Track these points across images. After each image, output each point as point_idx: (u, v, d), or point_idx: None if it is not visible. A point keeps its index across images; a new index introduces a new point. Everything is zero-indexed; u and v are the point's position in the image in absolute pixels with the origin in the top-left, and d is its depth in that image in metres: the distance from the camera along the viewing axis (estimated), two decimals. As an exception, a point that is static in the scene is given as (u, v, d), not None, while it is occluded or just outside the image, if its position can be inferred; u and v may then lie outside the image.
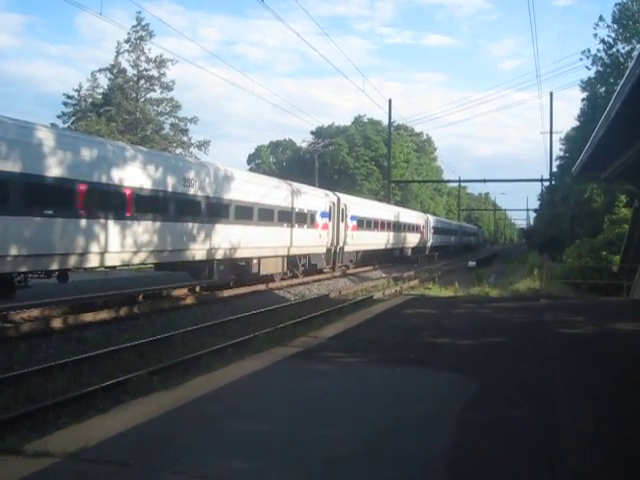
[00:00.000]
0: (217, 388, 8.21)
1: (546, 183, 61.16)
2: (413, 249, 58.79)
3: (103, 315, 17.91)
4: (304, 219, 31.92)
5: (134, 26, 61.75)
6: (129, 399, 8.47)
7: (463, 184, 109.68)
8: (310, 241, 32.52)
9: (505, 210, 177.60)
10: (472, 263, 48.82)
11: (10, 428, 8.37)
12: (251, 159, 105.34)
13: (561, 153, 59.22)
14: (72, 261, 17.44)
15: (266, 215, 27.67)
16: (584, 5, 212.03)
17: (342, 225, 37.52)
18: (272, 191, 28.65)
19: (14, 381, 10.85)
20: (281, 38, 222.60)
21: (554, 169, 56.75)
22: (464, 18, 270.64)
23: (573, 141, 48.63)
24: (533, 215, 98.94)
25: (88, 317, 17.37)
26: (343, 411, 7.27)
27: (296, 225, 30.68)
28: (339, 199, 37.73)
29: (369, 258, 46.43)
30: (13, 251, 15.73)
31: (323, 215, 34.44)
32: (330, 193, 37.62)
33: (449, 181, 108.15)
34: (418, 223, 60.33)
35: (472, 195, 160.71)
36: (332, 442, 6.13)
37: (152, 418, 6.78)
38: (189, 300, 22.21)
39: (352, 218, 39.46)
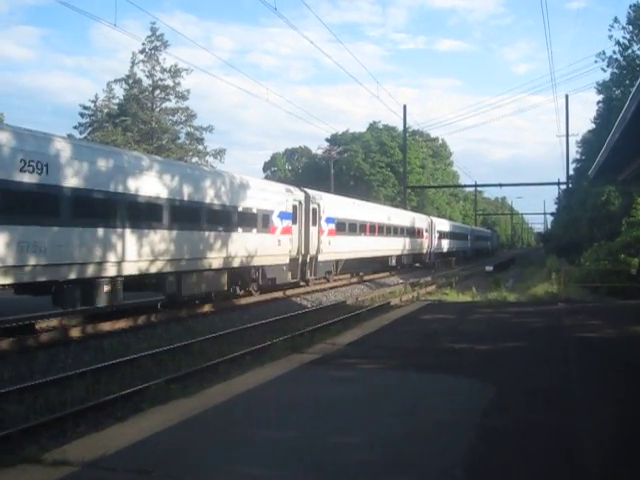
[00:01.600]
0: (235, 396, 8.22)
1: (563, 186, 60.89)
2: (415, 256, 52.36)
3: (121, 324, 18.00)
4: (253, 221, 24.79)
5: (149, 36, 62.12)
6: (147, 407, 8.49)
7: (479, 189, 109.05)
8: (263, 249, 25.37)
9: (522, 214, 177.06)
10: (489, 268, 48.60)
11: (29, 437, 8.41)
12: (267, 167, 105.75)
13: (577, 156, 59.07)
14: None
15: (188, 215, 20.69)
16: (598, 7, 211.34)
17: (314, 229, 30.62)
18: (197, 184, 21.38)
19: (33, 390, 10.92)
20: (294, 46, 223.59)
21: (571, 172, 56.50)
22: (476, 23, 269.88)
23: (589, 144, 48.50)
24: (550, 219, 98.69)
25: (106, 326, 17.46)
26: (361, 417, 7.25)
27: (239, 229, 23.60)
28: (308, 197, 30.44)
29: (355, 268, 40.71)
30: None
31: (284, 216, 27.32)
32: (295, 189, 30.21)
33: (465, 186, 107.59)
34: (420, 226, 53.71)
35: (489, 200, 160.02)
36: (350, 449, 6.11)
37: (170, 426, 6.80)
38: (207, 308, 22.23)
39: (329, 220, 32.68)
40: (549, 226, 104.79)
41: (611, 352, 11.72)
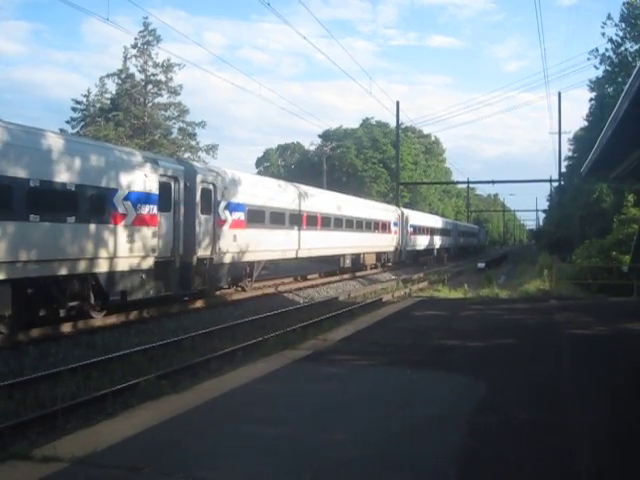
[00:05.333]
0: (226, 392, 8.19)
1: (555, 184, 61.07)
2: (380, 255, 44.28)
3: (112, 319, 17.93)
4: (67, 204, 15.97)
5: (141, 31, 61.83)
6: (138, 403, 8.45)
7: (472, 185, 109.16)
8: (98, 248, 16.93)
9: (514, 211, 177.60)
10: (481, 265, 48.73)
11: (19, 433, 8.37)
12: (259, 162, 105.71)
13: (570, 153, 59.23)
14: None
15: None
16: (590, 4, 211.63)
17: (206, 219, 21.93)
18: None
19: (24, 386, 10.86)
20: (285, 42, 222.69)
21: (563, 169, 56.66)
22: (467, 20, 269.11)
23: (582, 141, 48.62)
24: (542, 216, 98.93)
25: (97, 321, 17.40)
26: (353, 414, 7.23)
27: (32, 216, 14.77)
28: (194, 173, 21.60)
29: (293, 272, 33.72)
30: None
31: (141, 199, 18.58)
32: (168, 160, 22.47)
33: (457, 182, 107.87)
34: (386, 219, 45.23)
35: (481, 196, 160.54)
36: (342, 445, 6.10)
37: (161, 422, 6.77)
38: (199, 304, 22.17)
39: (235, 207, 23.92)
40: (541, 223, 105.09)
41: (602, 349, 11.74)
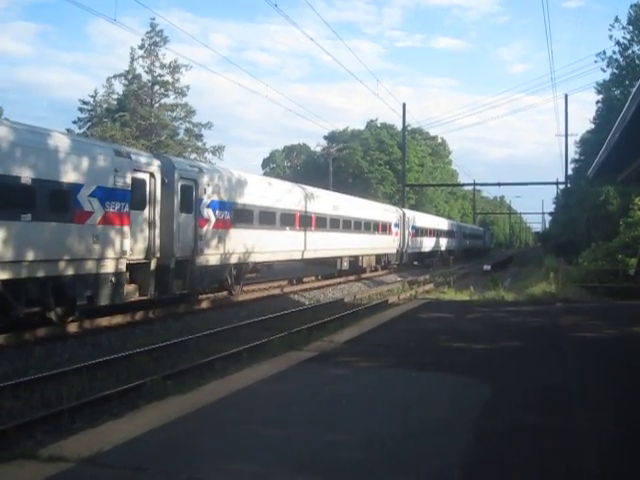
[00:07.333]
0: (232, 393, 8.19)
1: (561, 186, 60.94)
2: (378, 257, 42.67)
3: (118, 319, 17.95)
4: (21, 200, 14.61)
5: (148, 32, 62.08)
6: (144, 404, 8.47)
7: (478, 188, 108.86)
8: (54, 250, 15.34)
9: (520, 213, 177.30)
10: (487, 267, 48.64)
11: (25, 433, 8.38)
12: (265, 163, 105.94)
13: (576, 156, 59.12)
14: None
15: None
16: (597, 6, 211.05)
17: (186, 218, 20.47)
18: None
19: (29, 386, 10.88)
20: (290, 43, 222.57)
21: (569, 172, 56.53)
22: (472, 22, 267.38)
23: (588, 144, 48.52)
24: (549, 218, 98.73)
25: (104, 322, 17.43)
26: (358, 416, 7.23)
27: None
28: (172, 168, 20.04)
29: (287, 274, 32.76)
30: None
31: (109, 196, 16.97)
32: (143, 154, 20.22)
33: (463, 184, 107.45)
34: (386, 220, 43.69)
35: (487, 199, 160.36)
36: (347, 447, 6.09)
37: (167, 423, 6.77)
38: (204, 304, 22.19)
39: (219, 206, 22.40)
40: (547, 225, 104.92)
41: (609, 352, 11.70)
